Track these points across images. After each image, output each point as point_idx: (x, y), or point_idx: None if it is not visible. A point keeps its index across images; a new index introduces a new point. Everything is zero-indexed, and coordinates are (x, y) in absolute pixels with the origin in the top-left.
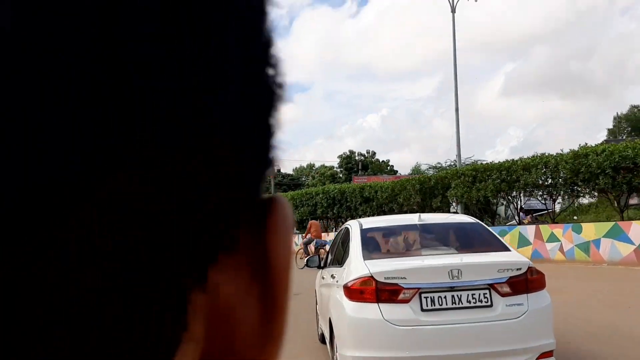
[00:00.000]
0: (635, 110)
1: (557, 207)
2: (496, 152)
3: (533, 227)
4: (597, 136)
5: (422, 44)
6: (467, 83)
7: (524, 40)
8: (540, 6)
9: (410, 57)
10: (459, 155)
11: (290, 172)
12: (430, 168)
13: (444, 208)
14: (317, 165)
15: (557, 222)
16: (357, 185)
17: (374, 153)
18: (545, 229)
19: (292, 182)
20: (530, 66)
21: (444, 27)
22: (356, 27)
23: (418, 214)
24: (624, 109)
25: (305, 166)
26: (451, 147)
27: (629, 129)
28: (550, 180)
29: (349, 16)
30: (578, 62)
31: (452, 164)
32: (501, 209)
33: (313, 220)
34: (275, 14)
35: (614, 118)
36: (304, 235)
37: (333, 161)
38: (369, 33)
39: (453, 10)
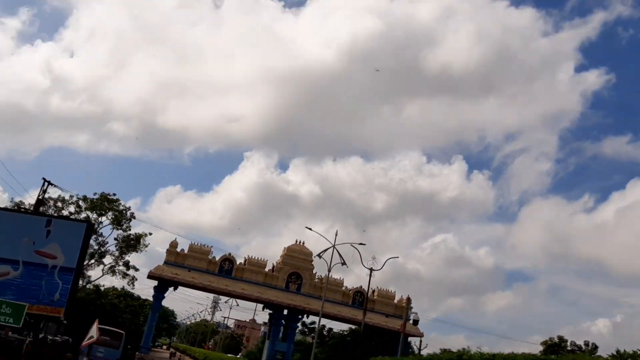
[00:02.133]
0: None
1: None
2: None
3: None
4: None
5: None
6: None
7: None
8: None
9: None
10: None
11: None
12: None
13: None
14: None
15: None
16: None
17: (596, 347)
18: None
19: None
20: None
21: None
22: (591, 221)
23: None
24: None
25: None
26: None
27: None
28: None
29: (583, 210)
30: None
31: None
32: None
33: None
34: (505, 200)
35: None
36: None
37: None
38: (606, 229)
39: None
